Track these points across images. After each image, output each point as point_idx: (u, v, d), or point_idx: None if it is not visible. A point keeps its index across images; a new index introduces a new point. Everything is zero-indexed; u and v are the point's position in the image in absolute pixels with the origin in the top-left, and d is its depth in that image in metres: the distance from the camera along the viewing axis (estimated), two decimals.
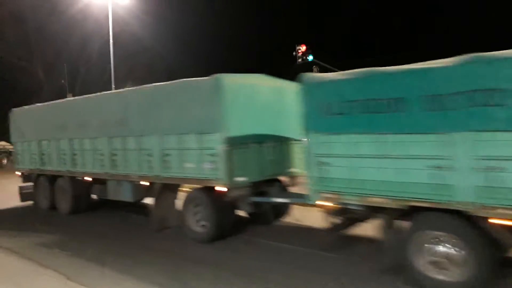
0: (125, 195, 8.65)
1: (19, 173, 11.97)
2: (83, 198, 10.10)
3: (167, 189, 7.75)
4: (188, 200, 7.29)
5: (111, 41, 20.95)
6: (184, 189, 8.06)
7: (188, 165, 7.00)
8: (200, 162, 6.80)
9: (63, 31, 30.81)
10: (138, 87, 8.82)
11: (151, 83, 8.33)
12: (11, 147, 30.87)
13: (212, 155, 6.58)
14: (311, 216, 7.78)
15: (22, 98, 38.32)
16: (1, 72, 31.92)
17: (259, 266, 5.79)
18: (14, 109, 11.97)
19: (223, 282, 5.23)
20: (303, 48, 21.21)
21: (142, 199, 8.89)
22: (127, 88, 7.94)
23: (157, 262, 6.11)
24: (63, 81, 34.76)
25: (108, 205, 10.41)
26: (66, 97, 36.19)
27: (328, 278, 5.13)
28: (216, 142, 6.50)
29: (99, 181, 9.46)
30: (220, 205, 6.86)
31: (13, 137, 12.00)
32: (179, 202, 7.68)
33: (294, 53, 21.45)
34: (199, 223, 7.12)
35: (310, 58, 21.78)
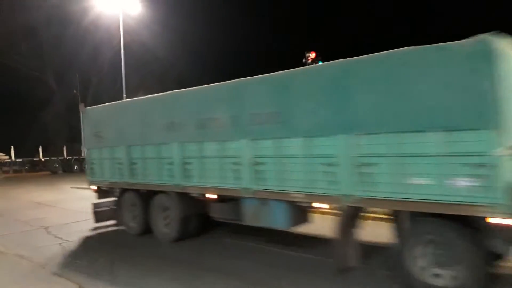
0: (275, 220, 6.30)
1: (94, 187, 9.65)
2: (193, 220, 8.00)
3: (352, 215, 5.38)
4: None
5: (122, 51, 21.20)
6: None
7: (420, 180, 4.53)
8: (449, 175, 4.34)
9: (75, 42, 31.35)
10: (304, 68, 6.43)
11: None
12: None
13: (475, 164, 4.15)
14: None
15: (36, 108, 39.12)
16: (15, 83, 32.53)
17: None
18: (89, 108, 9.80)
19: None
20: (312, 54, 21.18)
21: (296, 226, 6.61)
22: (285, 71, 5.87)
23: None
24: (75, 91, 35.25)
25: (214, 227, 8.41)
26: (78, 107, 36.63)
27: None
28: (485, 144, 4.10)
29: (224, 199, 7.13)
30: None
31: (87, 143, 9.64)
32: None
33: (303, 60, 21.41)
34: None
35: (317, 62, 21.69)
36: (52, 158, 33.26)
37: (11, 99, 36.86)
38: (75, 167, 32.47)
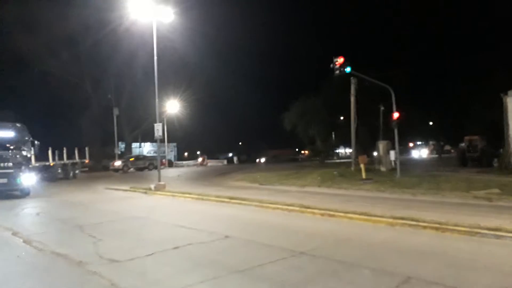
0: None
1: None
2: None
3: None
4: None
5: (155, 57, 21.73)
6: None
7: None
8: None
9: (111, 49, 32.41)
10: None
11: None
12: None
13: None
14: None
15: (74, 113, 40.61)
16: (56, 88, 33.97)
17: None
18: None
19: None
20: (340, 60, 20.97)
21: None
22: None
23: None
24: (109, 96, 36.37)
25: None
26: (112, 111, 38.08)
27: None
28: None
29: None
30: None
31: None
32: None
33: (331, 65, 21.27)
34: None
35: (348, 69, 21.50)
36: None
37: (52, 105, 38.48)
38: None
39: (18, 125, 18.98)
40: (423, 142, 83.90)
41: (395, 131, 22.89)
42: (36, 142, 19.61)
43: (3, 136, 17.87)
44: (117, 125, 42.51)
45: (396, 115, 22.49)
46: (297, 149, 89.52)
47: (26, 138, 19.10)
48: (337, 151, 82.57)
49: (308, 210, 12.10)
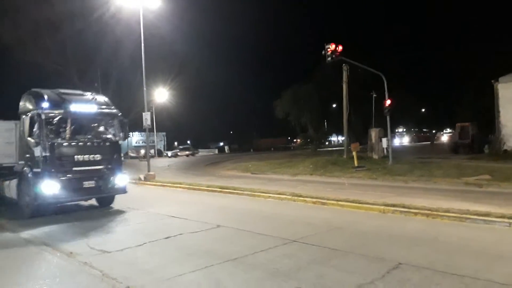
0: None
1: None
2: None
3: None
4: None
5: (142, 44, 21.41)
6: None
7: None
8: None
9: (97, 36, 31.86)
10: None
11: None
12: None
13: None
14: None
15: None
16: (39, 77, 33.39)
17: None
18: None
19: None
20: (332, 46, 20.82)
21: None
22: None
23: None
24: (96, 85, 35.94)
25: None
26: None
27: None
28: None
29: None
30: None
31: None
32: None
33: (323, 52, 21.12)
34: None
35: (340, 48, 21.09)
36: None
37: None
38: None
39: (103, 97, 12.35)
40: (404, 130, 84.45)
41: (387, 118, 22.92)
42: (125, 120, 12.13)
43: (85, 111, 11.14)
44: None
45: (388, 102, 22.48)
46: (289, 138, 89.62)
47: (115, 116, 11.86)
48: (329, 139, 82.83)
49: (300, 198, 12.10)
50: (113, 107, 11.95)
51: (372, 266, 5.74)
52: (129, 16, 24.25)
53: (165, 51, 33.78)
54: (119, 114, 11.89)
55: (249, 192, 14.00)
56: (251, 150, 77.66)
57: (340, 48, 21.05)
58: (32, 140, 10.47)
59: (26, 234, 8.88)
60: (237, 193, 14.29)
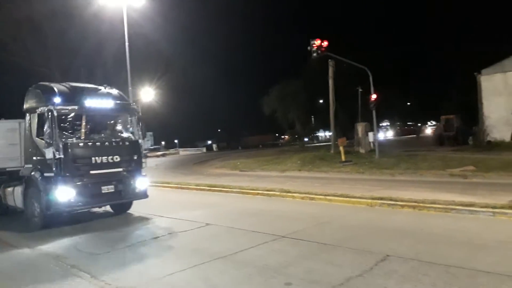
0: None
1: None
2: None
3: None
4: None
5: (126, 43, 21.20)
6: None
7: None
8: None
9: (79, 35, 31.42)
10: None
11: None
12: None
13: None
14: None
15: None
16: (20, 78, 32.78)
17: None
18: None
19: None
20: (318, 42, 20.89)
21: None
22: None
23: None
24: None
25: None
26: None
27: None
28: None
29: None
30: None
31: None
32: None
33: (309, 48, 21.18)
34: None
35: (325, 43, 21.19)
36: None
37: (18, 96, 37.10)
38: None
39: (117, 91, 10.81)
40: (388, 124, 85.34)
41: (373, 113, 23.11)
42: (142, 116, 11.07)
43: (101, 106, 9.86)
44: None
45: (374, 96, 22.67)
46: (277, 134, 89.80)
47: (133, 112, 10.76)
48: (317, 134, 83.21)
49: (289, 194, 12.15)
50: (130, 101, 10.64)
51: (360, 259, 5.80)
52: (113, 15, 23.94)
53: (151, 49, 33.58)
54: (136, 112, 10.75)
55: (238, 190, 14.01)
56: (240, 148, 77.62)
57: (325, 43, 21.15)
58: (43, 141, 9.21)
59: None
60: (226, 191, 14.28)
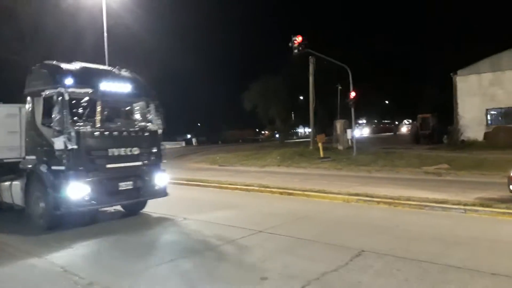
0: None
1: None
2: None
3: None
4: None
5: (105, 34, 20.80)
6: None
7: None
8: None
9: (57, 25, 30.57)
10: None
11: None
12: None
13: None
14: None
15: (16, 93, 38.23)
16: None
17: None
18: None
19: None
20: (299, 38, 20.96)
21: None
22: None
23: None
24: None
25: None
26: None
27: None
28: None
29: None
30: None
31: None
32: None
33: (290, 44, 21.24)
34: None
35: (305, 48, 21.42)
36: None
37: None
38: None
39: (134, 74, 9.62)
40: (364, 122, 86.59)
41: (352, 110, 23.40)
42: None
43: (118, 90, 8.69)
44: None
45: (353, 94, 22.94)
46: (257, 130, 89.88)
47: (152, 98, 9.53)
48: (297, 130, 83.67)
49: (267, 189, 12.20)
50: (148, 87, 9.58)
51: (336, 254, 5.88)
52: (92, 4, 23.40)
53: (131, 41, 32.85)
54: (154, 99, 9.53)
55: (216, 184, 13.97)
56: (219, 142, 77.25)
57: (305, 40, 21.26)
58: (50, 129, 7.86)
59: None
60: (204, 185, 14.23)
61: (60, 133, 7.62)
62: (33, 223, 8.29)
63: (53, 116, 7.69)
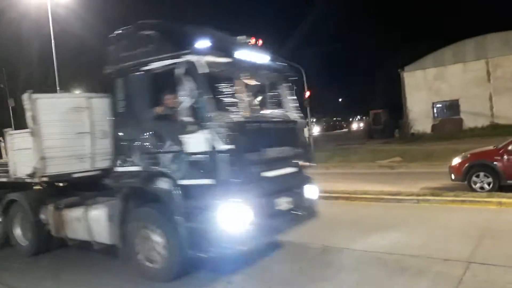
0: None
1: None
2: None
3: None
4: None
5: (52, 41, 19.99)
6: None
7: None
8: None
9: (0, 33, 29.02)
10: None
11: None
12: None
13: None
14: None
15: None
16: None
17: None
18: None
19: None
20: (253, 40, 21.08)
21: None
22: None
23: None
24: (2, 86, 32.78)
25: None
26: (7, 102, 34.53)
27: None
28: None
29: None
30: None
31: None
32: None
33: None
34: None
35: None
36: None
37: None
38: None
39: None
40: (314, 120, 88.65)
41: (307, 109, 23.93)
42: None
43: (257, 61, 5.95)
44: (13, 117, 38.33)
45: (307, 93, 23.48)
46: None
47: (291, 81, 6.88)
48: None
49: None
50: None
51: (299, 252, 6.04)
52: (37, 11, 22.41)
53: (80, 48, 31.70)
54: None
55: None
56: None
57: (260, 42, 21.50)
58: (171, 121, 5.08)
59: None
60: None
61: (197, 126, 4.79)
62: (139, 270, 5.42)
63: (178, 101, 4.89)
